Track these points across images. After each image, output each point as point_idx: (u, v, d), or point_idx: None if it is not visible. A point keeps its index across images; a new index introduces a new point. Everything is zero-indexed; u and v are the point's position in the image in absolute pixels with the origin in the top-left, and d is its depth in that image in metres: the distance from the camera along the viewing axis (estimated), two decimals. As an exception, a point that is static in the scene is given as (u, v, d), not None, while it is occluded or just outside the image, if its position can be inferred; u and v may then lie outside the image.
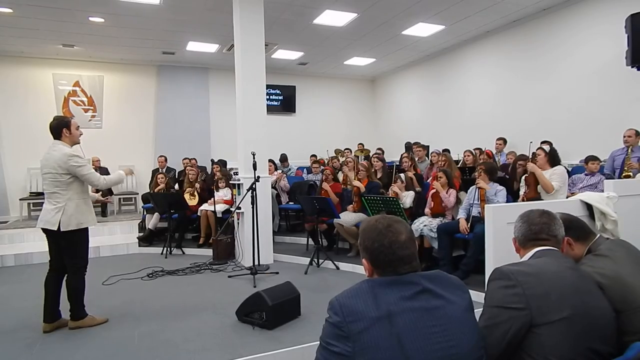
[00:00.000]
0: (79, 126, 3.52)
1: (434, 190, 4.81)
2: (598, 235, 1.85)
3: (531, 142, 4.98)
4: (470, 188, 4.62)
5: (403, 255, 1.26)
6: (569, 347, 1.32)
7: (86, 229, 3.44)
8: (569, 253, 1.82)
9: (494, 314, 1.40)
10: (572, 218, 1.91)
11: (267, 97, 10.94)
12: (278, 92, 11.11)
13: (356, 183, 5.50)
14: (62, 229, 3.25)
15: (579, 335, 1.33)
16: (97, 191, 3.89)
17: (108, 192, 8.46)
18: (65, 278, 3.44)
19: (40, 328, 3.38)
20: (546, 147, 4.72)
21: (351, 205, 5.58)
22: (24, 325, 3.54)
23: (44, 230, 3.36)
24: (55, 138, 3.39)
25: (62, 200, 3.29)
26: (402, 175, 5.44)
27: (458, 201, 4.80)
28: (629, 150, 5.21)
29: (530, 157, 4.55)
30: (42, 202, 3.50)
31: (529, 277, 1.40)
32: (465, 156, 6.41)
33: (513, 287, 1.38)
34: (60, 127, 3.38)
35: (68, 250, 3.36)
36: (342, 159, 7.96)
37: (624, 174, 4.94)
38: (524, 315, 1.34)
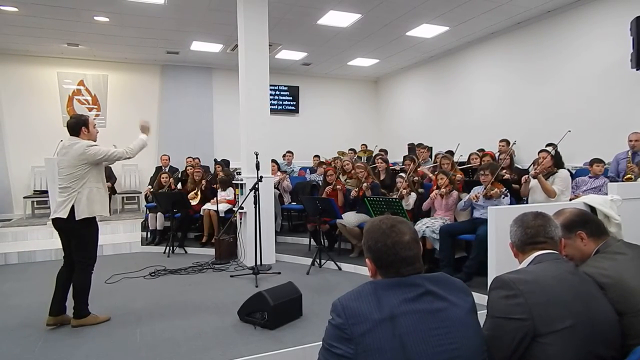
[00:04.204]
0: (95, 124, 3.57)
1: (435, 196, 4.86)
2: (609, 237, 1.81)
3: (555, 144, 4.87)
4: (474, 188, 4.63)
5: (406, 256, 1.26)
6: (573, 354, 1.30)
7: (96, 226, 3.48)
8: (580, 249, 1.79)
9: (497, 324, 1.38)
10: (590, 214, 1.90)
11: (277, 95, 10.98)
12: (287, 91, 11.13)
13: (364, 187, 5.46)
14: (76, 218, 3.28)
15: (582, 342, 1.32)
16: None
17: (111, 191, 8.50)
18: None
19: (43, 326, 3.39)
20: (549, 149, 4.73)
21: (355, 190, 5.60)
22: (26, 322, 3.55)
23: (56, 222, 3.38)
24: (73, 135, 3.42)
25: (74, 190, 3.32)
26: (403, 174, 5.44)
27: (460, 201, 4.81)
28: (629, 154, 5.19)
29: (542, 158, 4.54)
30: (47, 200, 3.55)
31: (531, 285, 1.38)
32: (472, 159, 6.41)
33: (515, 297, 1.36)
34: (79, 125, 3.42)
35: (77, 245, 3.39)
36: (344, 158, 7.96)
37: (625, 177, 4.93)
38: (527, 325, 1.32)
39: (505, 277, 1.43)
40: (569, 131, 4.83)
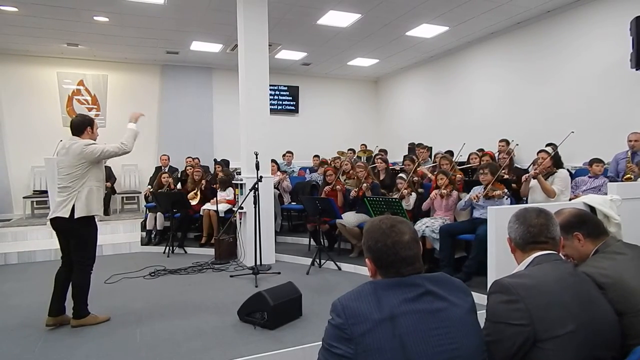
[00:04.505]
0: (98, 127, 3.62)
1: (435, 196, 4.86)
2: (609, 236, 1.81)
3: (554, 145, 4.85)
4: (474, 188, 4.63)
5: (406, 256, 1.26)
6: (573, 357, 1.29)
7: (95, 226, 3.49)
8: (577, 249, 1.79)
9: (497, 329, 1.36)
10: (588, 214, 1.87)
11: (277, 95, 10.96)
12: (286, 91, 11.13)
13: (364, 187, 5.47)
14: (75, 216, 3.29)
15: (583, 346, 1.31)
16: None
17: (110, 191, 8.51)
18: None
19: (43, 326, 3.39)
20: (548, 149, 4.73)
21: (354, 190, 5.60)
22: (26, 323, 3.55)
23: (55, 222, 3.37)
24: (75, 134, 3.44)
25: (74, 190, 3.33)
26: (403, 175, 5.44)
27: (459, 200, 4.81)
28: (628, 154, 5.20)
29: (541, 158, 4.55)
30: (46, 200, 3.54)
31: (531, 290, 1.35)
32: (472, 159, 6.42)
33: (515, 303, 1.34)
34: (85, 125, 3.46)
35: (76, 245, 3.39)
36: (342, 158, 7.97)
37: (625, 177, 4.94)
38: (528, 331, 1.30)
39: (505, 282, 1.40)
40: (572, 132, 4.80)
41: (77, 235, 3.38)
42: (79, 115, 3.60)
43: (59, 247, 3.51)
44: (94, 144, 3.42)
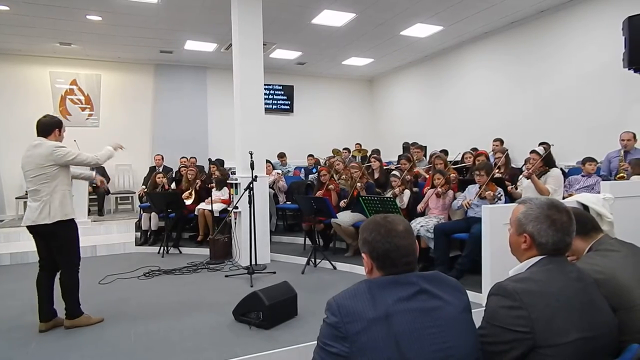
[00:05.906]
0: (65, 131, 3.52)
1: (430, 193, 4.87)
2: (603, 233, 1.81)
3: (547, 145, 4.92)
4: (468, 187, 4.65)
5: (401, 245, 1.27)
6: None
7: (75, 226, 3.42)
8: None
9: (495, 332, 1.33)
10: (577, 213, 1.83)
11: (272, 94, 10.95)
12: (281, 91, 11.11)
13: (358, 186, 5.49)
14: (50, 222, 3.22)
15: (582, 353, 1.29)
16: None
17: (105, 191, 8.44)
18: (58, 276, 3.41)
19: (36, 327, 3.36)
20: (540, 149, 4.76)
21: (343, 201, 5.60)
22: (19, 324, 3.52)
23: (31, 228, 3.30)
24: (41, 135, 3.34)
25: (45, 194, 3.24)
26: (396, 172, 5.46)
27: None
28: (621, 152, 5.25)
29: (532, 159, 4.57)
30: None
31: (535, 298, 1.30)
32: (466, 158, 6.44)
33: (518, 309, 1.29)
34: (53, 127, 3.38)
35: (59, 248, 3.34)
36: (336, 157, 7.97)
37: (618, 176, 4.98)
38: (528, 338, 1.27)
39: (508, 286, 1.34)
40: (552, 145, 4.88)
41: (59, 238, 3.31)
42: (47, 115, 3.46)
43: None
44: (64, 147, 3.32)
